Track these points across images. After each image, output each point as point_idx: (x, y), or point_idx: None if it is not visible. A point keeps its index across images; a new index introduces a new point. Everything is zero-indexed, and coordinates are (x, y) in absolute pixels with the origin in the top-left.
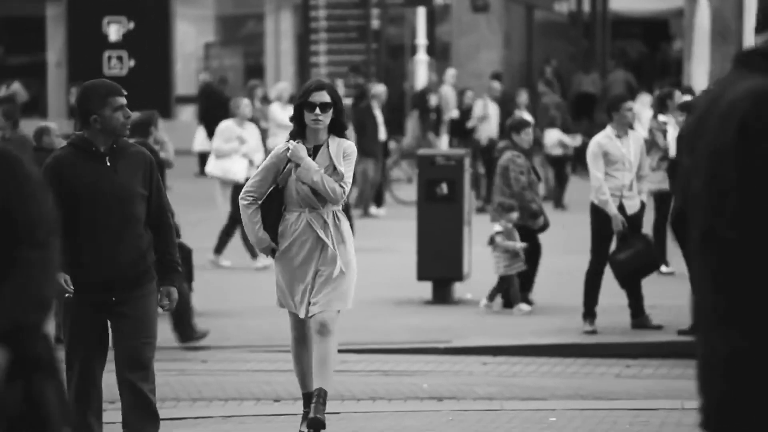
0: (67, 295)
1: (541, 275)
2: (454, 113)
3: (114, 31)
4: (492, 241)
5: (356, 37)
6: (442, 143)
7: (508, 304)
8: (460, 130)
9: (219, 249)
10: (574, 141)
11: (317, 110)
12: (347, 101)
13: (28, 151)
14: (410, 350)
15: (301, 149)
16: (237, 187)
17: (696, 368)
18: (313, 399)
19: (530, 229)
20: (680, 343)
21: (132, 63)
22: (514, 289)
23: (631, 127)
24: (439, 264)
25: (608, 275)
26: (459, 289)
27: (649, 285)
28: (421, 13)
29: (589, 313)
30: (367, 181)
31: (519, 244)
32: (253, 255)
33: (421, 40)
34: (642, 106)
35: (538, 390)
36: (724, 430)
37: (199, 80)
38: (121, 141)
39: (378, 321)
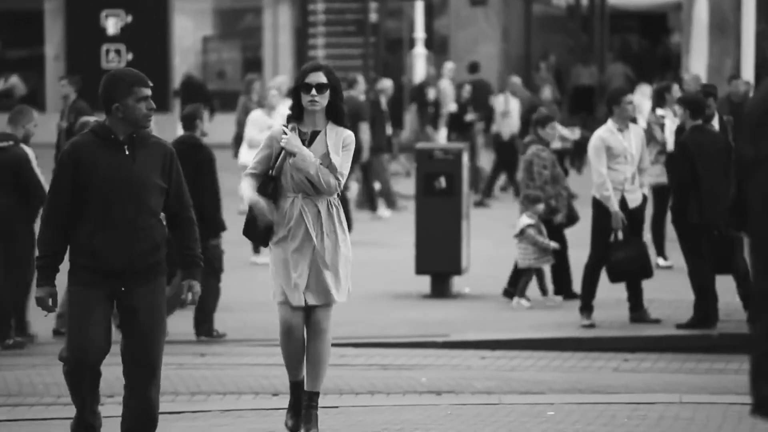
0: (46, 315)
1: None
2: (453, 107)
3: (112, 24)
4: (522, 233)
5: (354, 31)
6: (441, 137)
7: (544, 291)
8: (459, 124)
9: (256, 248)
10: (573, 134)
11: (313, 91)
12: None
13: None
14: (408, 344)
15: (294, 139)
16: None
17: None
18: (304, 402)
19: (556, 224)
20: (678, 337)
21: (130, 56)
22: (524, 281)
23: (633, 120)
24: (438, 258)
25: None
26: (457, 283)
27: (648, 279)
28: (420, 6)
29: (586, 307)
30: (386, 177)
31: (552, 244)
32: (256, 250)
33: (420, 33)
34: (642, 97)
35: (536, 384)
36: None
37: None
38: (142, 131)
39: (376, 315)
